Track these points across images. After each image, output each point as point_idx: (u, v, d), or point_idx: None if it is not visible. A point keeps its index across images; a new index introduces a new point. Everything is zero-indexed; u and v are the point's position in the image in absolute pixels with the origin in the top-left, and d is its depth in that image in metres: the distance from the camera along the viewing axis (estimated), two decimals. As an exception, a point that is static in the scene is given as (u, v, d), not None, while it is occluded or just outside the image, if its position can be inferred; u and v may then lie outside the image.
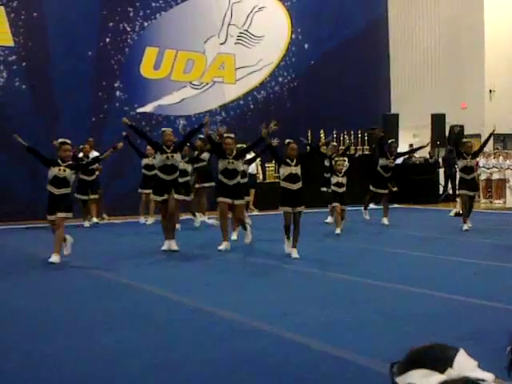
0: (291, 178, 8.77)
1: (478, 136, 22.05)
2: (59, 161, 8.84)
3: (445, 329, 4.95)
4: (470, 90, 22.07)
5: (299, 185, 8.89)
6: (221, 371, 4.11)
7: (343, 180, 11.82)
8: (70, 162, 9.10)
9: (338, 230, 11.25)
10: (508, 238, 10.77)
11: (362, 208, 13.52)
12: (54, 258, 8.31)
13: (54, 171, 8.67)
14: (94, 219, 13.66)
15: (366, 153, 18.71)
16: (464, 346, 1.15)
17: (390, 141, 14.22)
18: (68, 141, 9.09)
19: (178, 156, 9.78)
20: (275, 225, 10.46)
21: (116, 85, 16.62)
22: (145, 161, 13.51)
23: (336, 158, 12.34)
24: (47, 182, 8.78)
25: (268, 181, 17.39)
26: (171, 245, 9.51)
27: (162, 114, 17.15)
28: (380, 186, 13.18)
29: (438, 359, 1.12)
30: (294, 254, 8.64)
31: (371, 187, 13.40)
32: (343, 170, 12.03)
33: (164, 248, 9.51)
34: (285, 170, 8.84)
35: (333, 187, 11.87)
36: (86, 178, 13.30)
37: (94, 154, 13.06)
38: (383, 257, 9.21)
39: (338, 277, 7.44)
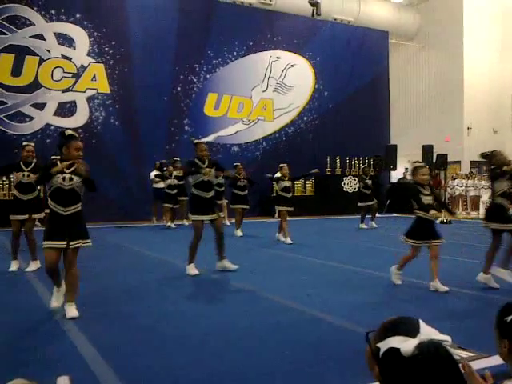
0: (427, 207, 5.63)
1: (459, 162, 22.10)
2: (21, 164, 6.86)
3: (422, 307, 4.86)
4: (452, 127, 22.14)
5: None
6: (260, 336, 4.06)
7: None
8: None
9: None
10: (480, 240, 10.00)
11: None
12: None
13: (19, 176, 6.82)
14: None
15: (371, 174, 18.61)
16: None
17: (363, 167, 14.21)
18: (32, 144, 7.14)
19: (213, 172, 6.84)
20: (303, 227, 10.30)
21: (185, 121, 16.74)
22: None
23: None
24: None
25: (296, 194, 17.59)
26: (225, 264, 6.91)
27: (220, 142, 17.26)
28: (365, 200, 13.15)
29: (408, 328, 1.10)
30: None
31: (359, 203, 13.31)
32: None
33: (193, 273, 6.70)
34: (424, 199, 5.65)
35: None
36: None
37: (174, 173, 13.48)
38: (381, 253, 8.77)
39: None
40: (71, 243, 4.54)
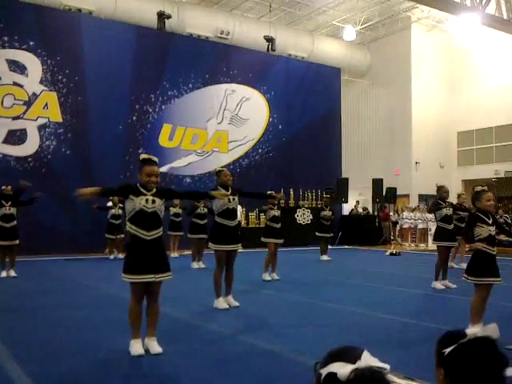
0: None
1: (407, 196, 22.78)
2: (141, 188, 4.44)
3: (376, 337, 4.81)
4: (401, 162, 22.93)
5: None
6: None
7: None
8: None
9: None
10: (428, 271, 9.94)
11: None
12: None
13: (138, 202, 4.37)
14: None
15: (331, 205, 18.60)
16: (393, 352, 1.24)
17: (325, 196, 14.22)
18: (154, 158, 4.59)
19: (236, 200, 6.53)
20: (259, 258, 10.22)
21: (140, 151, 16.20)
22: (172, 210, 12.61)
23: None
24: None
25: (250, 226, 17.62)
26: (230, 301, 6.56)
27: (173, 173, 17.12)
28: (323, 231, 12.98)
29: (350, 355, 1.14)
30: None
31: (317, 233, 13.10)
32: None
33: (223, 307, 6.40)
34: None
35: None
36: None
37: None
38: (338, 285, 8.96)
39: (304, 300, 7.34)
40: (157, 276, 4.22)
